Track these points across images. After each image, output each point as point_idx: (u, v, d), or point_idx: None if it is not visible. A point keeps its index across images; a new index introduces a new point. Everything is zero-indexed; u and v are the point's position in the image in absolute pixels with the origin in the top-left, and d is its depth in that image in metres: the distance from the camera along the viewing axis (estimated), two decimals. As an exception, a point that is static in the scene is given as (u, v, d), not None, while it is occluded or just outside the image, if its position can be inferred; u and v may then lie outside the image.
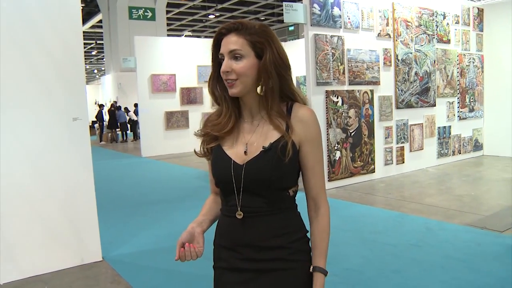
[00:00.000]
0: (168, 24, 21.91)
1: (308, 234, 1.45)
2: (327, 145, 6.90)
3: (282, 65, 1.38)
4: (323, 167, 1.46)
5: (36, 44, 3.87)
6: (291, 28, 26.99)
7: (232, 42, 1.33)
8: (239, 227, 1.37)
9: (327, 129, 6.88)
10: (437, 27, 8.51)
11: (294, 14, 6.35)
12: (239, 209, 1.36)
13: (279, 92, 1.38)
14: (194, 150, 1.48)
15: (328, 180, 6.98)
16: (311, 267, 1.40)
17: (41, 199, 3.92)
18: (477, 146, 9.74)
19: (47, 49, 3.92)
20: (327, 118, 6.87)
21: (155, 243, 4.72)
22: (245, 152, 1.37)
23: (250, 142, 1.38)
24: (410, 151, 8.25)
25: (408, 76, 8.03)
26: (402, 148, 8.08)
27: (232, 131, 1.41)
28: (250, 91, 1.37)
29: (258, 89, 1.38)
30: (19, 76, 3.81)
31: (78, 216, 4.10)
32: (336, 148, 7.01)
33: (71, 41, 4.05)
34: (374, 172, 7.61)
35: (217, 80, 1.42)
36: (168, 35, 20.45)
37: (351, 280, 3.65)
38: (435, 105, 8.59)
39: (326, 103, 6.84)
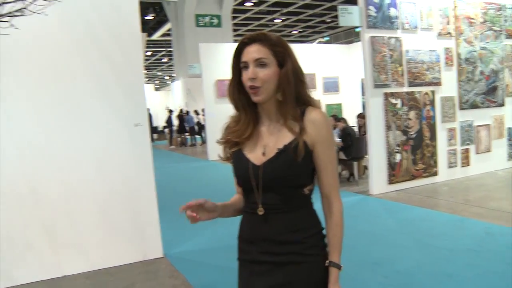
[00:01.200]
0: (234, 30, 22.41)
1: (324, 231, 1.55)
2: (386, 147, 6.84)
3: (300, 73, 1.50)
4: (336, 167, 1.54)
5: (101, 56, 4.24)
6: (358, 29, 26.62)
7: (256, 51, 1.45)
8: (259, 222, 1.50)
9: (386, 131, 6.83)
10: (505, 22, 8.11)
11: (350, 17, 6.38)
12: (259, 206, 1.49)
13: (296, 98, 1.49)
14: (219, 155, 1.62)
15: (389, 183, 6.92)
16: (327, 262, 1.50)
17: (106, 198, 4.29)
18: (554, 147, 9.14)
19: (111, 60, 4.28)
20: (386, 121, 6.81)
21: (214, 241, 4.96)
22: (263, 154, 1.49)
23: (267, 144, 1.50)
24: (477, 153, 7.93)
25: (473, 75, 7.74)
26: (467, 150, 7.80)
27: (251, 135, 1.53)
28: (271, 97, 1.49)
29: (278, 95, 1.48)
30: (86, 87, 4.21)
31: (141, 215, 4.42)
32: (396, 150, 6.93)
33: (132, 52, 4.38)
34: (437, 175, 7.41)
35: (237, 87, 1.52)
36: (235, 41, 20.94)
37: (400, 282, 3.66)
38: (503, 105, 8.19)
39: (385, 105, 6.79)
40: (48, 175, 4.08)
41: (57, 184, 4.11)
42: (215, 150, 12.95)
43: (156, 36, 26.08)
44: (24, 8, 2.56)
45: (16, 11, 2.50)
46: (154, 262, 4.37)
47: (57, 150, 4.11)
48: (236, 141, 1.54)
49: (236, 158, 1.55)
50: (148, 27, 24.23)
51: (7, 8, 2.39)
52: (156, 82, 44.99)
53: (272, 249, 1.49)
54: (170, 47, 25.02)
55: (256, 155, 1.50)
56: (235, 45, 1.52)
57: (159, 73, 43.22)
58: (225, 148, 1.58)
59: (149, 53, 31.40)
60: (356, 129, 9.01)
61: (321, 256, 1.51)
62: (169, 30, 23.15)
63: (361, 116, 8.79)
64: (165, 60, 34.98)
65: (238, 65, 1.50)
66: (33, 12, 2.74)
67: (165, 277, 4.03)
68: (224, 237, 5.04)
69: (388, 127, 6.84)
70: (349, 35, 28.38)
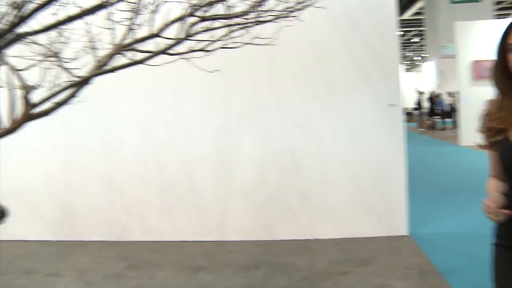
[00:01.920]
0: (497, 3, 20.16)
1: None
2: None
3: None
4: None
5: (358, 38, 4.62)
6: None
7: None
8: None
9: None
10: None
11: None
12: None
13: None
14: (478, 143, 1.59)
15: None
16: None
17: (359, 173, 4.70)
18: None
19: (367, 42, 4.61)
20: None
21: (458, 228, 4.91)
22: None
23: None
24: None
25: None
26: None
27: None
28: None
29: None
30: (345, 67, 4.66)
31: (389, 193, 4.68)
32: None
33: (387, 33, 4.62)
34: None
35: (502, 71, 1.44)
36: (496, 16, 18.86)
37: None
38: None
39: None
40: (309, 149, 4.72)
41: (315, 156, 4.73)
42: (468, 135, 12.19)
43: (407, 15, 25.45)
44: (309, 5, 2.80)
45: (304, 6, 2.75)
46: (398, 239, 4.59)
47: (318, 127, 4.71)
48: (500, 128, 1.46)
49: (503, 146, 1.47)
50: (399, 6, 23.80)
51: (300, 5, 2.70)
52: (406, 63, 43.90)
53: None
54: (421, 26, 24.16)
55: None
56: (496, 22, 1.51)
57: (409, 54, 42.00)
58: (487, 136, 1.52)
59: (399, 33, 30.80)
60: None
61: None
62: (421, 8, 22.35)
63: None
64: (415, 40, 33.84)
65: (504, 47, 1.43)
66: (317, 7, 2.91)
67: (408, 255, 4.22)
68: (467, 224, 4.95)
69: None
70: None
